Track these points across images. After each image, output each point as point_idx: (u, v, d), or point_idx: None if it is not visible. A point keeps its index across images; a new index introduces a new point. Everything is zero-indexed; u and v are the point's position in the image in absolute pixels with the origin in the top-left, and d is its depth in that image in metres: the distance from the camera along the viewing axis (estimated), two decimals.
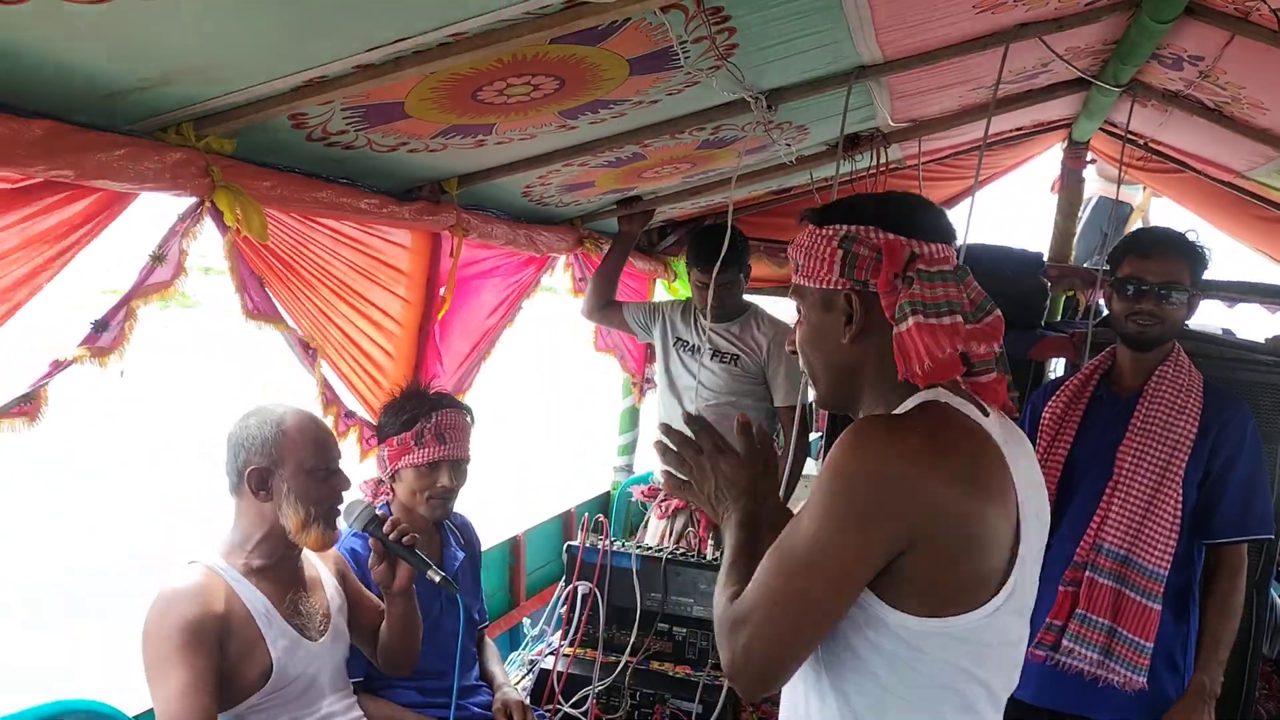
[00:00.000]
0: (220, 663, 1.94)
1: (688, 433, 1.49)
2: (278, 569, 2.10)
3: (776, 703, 2.89)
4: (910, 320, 1.29)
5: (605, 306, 3.94)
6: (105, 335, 1.78)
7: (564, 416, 13.34)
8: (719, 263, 3.20)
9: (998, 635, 1.29)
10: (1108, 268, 2.55)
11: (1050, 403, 2.55)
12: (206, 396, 10.56)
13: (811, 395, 1.54)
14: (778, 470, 1.55)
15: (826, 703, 1.33)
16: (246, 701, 1.99)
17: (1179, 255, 2.38)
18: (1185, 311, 2.40)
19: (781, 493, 3.26)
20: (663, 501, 3.74)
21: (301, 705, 2.08)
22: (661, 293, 4.82)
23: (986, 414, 1.33)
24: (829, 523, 1.23)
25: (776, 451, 1.69)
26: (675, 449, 1.49)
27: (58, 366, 1.70)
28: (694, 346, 3.71)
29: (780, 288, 4.52)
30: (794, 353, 1.47)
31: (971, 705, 1.30)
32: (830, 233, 1.37)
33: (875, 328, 1.35)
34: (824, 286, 1.38)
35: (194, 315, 15.31)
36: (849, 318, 1.36)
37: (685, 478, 1.48)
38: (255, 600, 2.03)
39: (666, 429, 1.50)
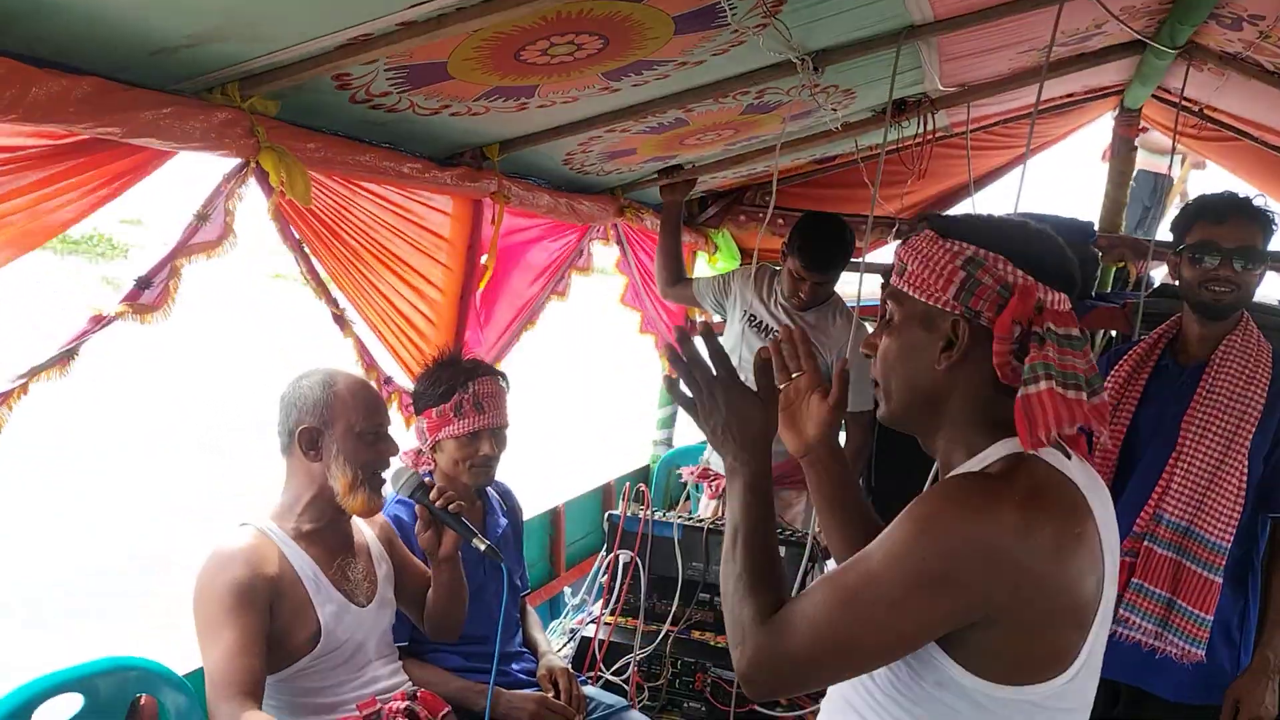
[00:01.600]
0: (270, 625, 1.95)
1: (702, 350, 1.35)
2: (326, 534, 2.11)
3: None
4: (1042, 384, 1.19)
5: (676, 283, 3.86)
6: (148, 293, 1.78)
7: (603, 390, 13.32)
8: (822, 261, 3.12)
9: (1076, 699, 1.24)
10: (1158, 239, 2.48)
11: (1113, 372, 2.49)
12: (206, 382, 10.48)
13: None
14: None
15: None
16: (295, 665, 2.01)
17: (1252, 220, 2.31)
18: (1258, 279, 2.34)
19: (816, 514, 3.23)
20: (714, 481, 3.70)
21: (349, 670, 2.10)
22: (701, 266, 4.77)
23: (1069, 456, 1.25)
24: (901, 578, 1.16)
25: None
26: (685, 361, 1.34)
27: (98, 322, 1.71)
28: (763, 325, 3.57)
29: None
30: (868, 355, 1.37)
31: None
32: (955, 248, 1.27)
33: (972, 363, 1.26)
34: (931, 304, 1.28)
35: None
36: (949, 344, 1.27)
37: (691, 395, 1.35)
38: (304, 564, 2.05)
39: (682, 335, 1.35)
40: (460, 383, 2.47)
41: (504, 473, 2.70)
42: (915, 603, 1.15)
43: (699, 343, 1.36)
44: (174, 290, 1.80)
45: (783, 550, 2.84)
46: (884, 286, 1.39)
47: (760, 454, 1.31)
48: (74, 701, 1.79)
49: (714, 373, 1.34)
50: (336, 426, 2.03)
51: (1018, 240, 1.27)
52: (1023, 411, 1.20)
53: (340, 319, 2.38)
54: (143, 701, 2.03)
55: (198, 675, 1.94)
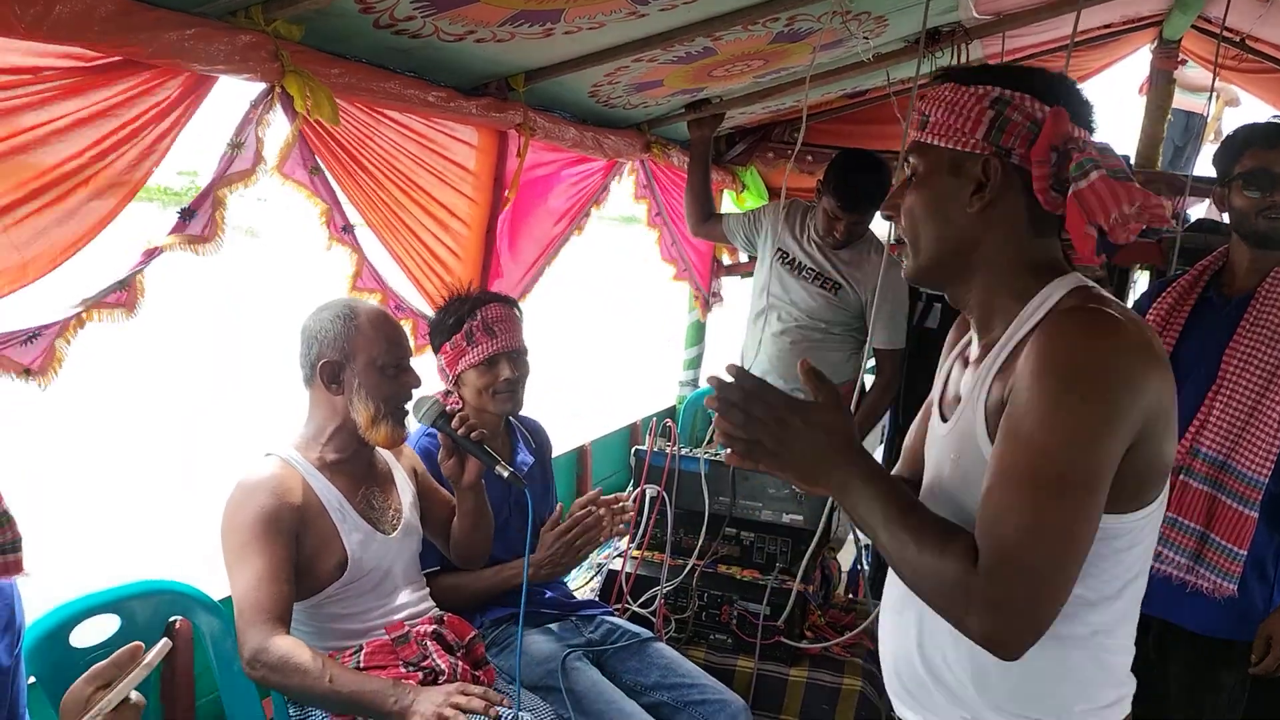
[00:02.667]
0: (297, 553, 1.98)
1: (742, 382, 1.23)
2: (351, 463, 2.12)
3: (848, 610, 2.85)
4: (1093, 175, 1.18)
5: (706, 220, 3.82)
6: (193, 223, 1.78)
7: (629, 330, 13.28)
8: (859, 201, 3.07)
9: (1160, 516, 1.26)
10: (1195, 175, 2.40)
11: (1155, 304, 2.44)
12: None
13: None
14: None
15: None
16: (324, 592, 2.03)
17: None
18: None
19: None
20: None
21: (376, 597, 2.12)
22: (729, 204, 4.72)
23: None
24: (1078, 432, 1.12)
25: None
26: (736, 403, 1.22)
27: (150, 255, 1.72)
28: (795, 262, 3.53)
29: None
30: (890, 216, 1.36)
31: (1137, 592, 1.26)
32: (981, 91, 1.26)
33: (1006, 203, 1.26)
34: (959, 148, 1.27)
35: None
36: (980, 186, 1.26)
37: (751, 437, 1.21)
38: (329, 494, 2.06)
39: (718, 382, 1.24)
40: (468, 312, 2.46)
41: (530, 412, 2.70)
42: (1106, 444, 1.12)
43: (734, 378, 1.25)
44: (221, 221, 1.81)
45: None
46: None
47: (860, 454, 1.22)
48: (111, 623, 1.82)
49: (770, 402, 1.22)
50: (358, 360, 2.04)
51: (1043, 81, 1.27)
52: (1078, 207, 1.19)
53: (349, 241, 2.34)
54: (178, 624, 2.06)
55: (228, 603, 1.96)
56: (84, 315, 1.62)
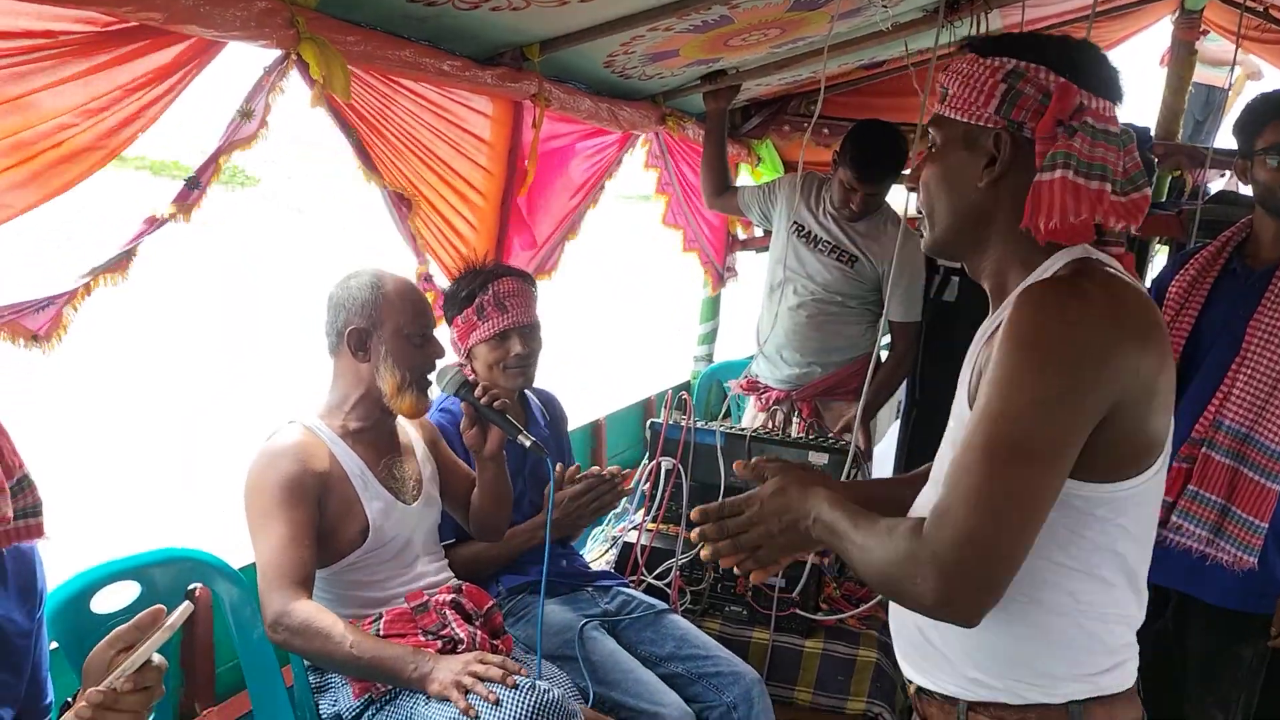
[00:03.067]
0: (319, 520, 1.99)
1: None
2: (373, 433, 2.13)
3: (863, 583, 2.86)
4: (1057, 173, 1.20)
5: (722, 193, 3.79)
6: (197, 193, 1.78)
7: (643, 306, 13.24)
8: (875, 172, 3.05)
9: (1156, 491, 1.25)
10: (1216, 148, 2.37)
11: (1178, 275, 2.42)
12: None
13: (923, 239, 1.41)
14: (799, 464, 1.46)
15: None
16: (345, 559, 2.05)
17: None
18: None
19: (861, 411, 3.20)
20: (763, 394, 3.67)
21: (397, 565, 2.13)
22: (744, 178, 4.70)
23: None
24: (1035, 401, 1.13)
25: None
26: (721, 531, 1.34)
27: (152, 223, 1.72)
28: (811, 235, 3.49)
29: None
30: (913, 189, 1.39)
31: (1128, 566, 1.25)
32: (995, 64, 1.26)
33: (1017, 175, 1.26)
34: (972, 122, 1.28)
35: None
36: (992, 160, 1.27)
37: (749, 551, 1.33)
38: (352, 462, 2.07)
39: (701, 527, 1.36)
40: (480, 285, 2.45)
41: (545, 384, 2.69)
42: (1064, 415, 1.13)
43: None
44: (211, 185, 1.80)
45: (826, 458, 2.83)
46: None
47: (815, 498, 1.30)
48: (131, 589, 1.83)
49: (739, 510, 1.34)
50: (385, 328, 2.04)
51: (1060, 50, 1.26)
52: (1031, 197, 1.22)
53: (402, 202, 2.35)
54: (197, 591, 2.08)
55: (250, 569, 1.97)
56: (91, 284, 1.62)
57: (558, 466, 2.51)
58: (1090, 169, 1.20)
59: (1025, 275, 1.27)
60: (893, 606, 1.42)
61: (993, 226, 1.30)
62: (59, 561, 1.54)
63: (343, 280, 2.09)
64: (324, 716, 2.01)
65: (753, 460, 1.44)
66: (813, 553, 2.62)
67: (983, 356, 1.23)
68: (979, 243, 1.32)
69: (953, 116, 1.30)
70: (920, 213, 1.39)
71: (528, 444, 2.03)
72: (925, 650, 1.35)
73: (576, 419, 3.96)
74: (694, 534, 1.37)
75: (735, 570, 1.35)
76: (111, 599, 1.77)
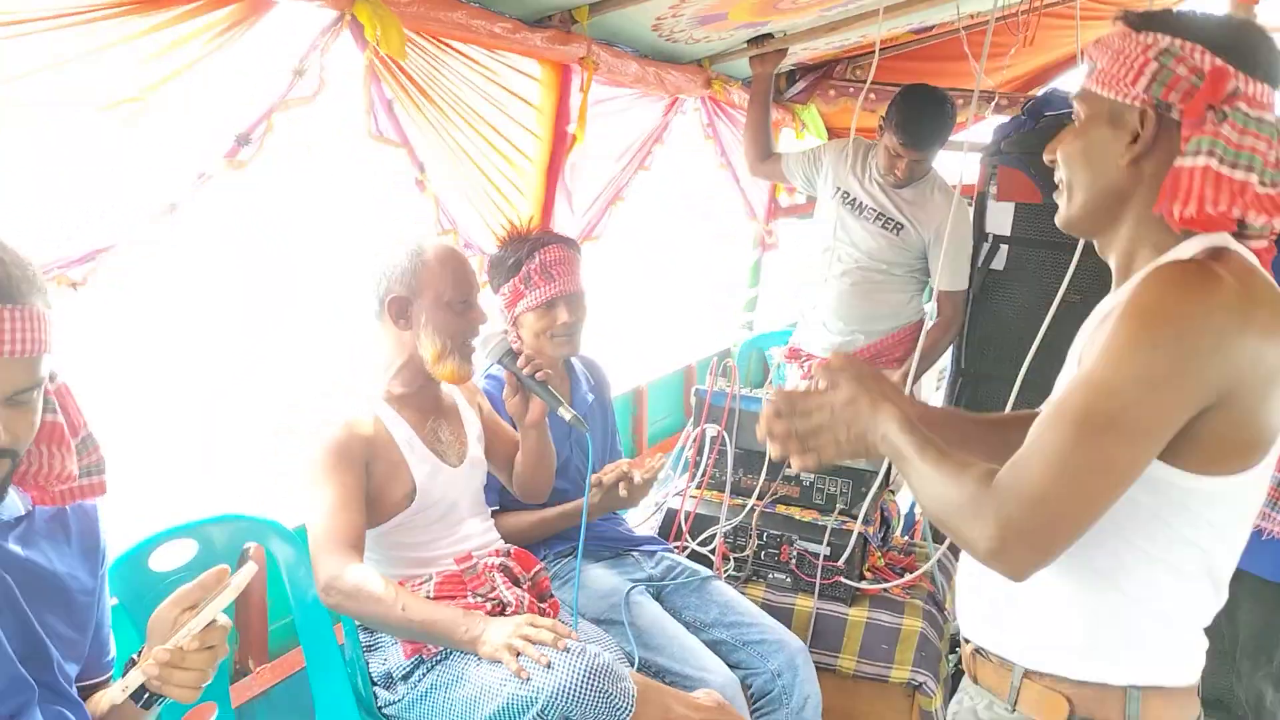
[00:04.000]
0: (368, 483, 2.00)
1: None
2: (418, 397, 2.14)
3: (908, 552, 2.82)
4: (1200, 160, 1.15)
5: (765, 159, 3.75)
6: (247, 150, 1.78)
7: (687, 272, 13.17)
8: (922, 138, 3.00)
9: (1257, 493, 1.22)
10: None
11: None
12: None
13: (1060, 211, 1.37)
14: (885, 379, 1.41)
15: (1063, 559, 1.22)
16: (392, 521, 2.06)
17: None
18: None
19: (911, 376, 3.15)
20: (805, 361, 3.64)
21: (444, 526, 2.14)
22: (788, 141, 4.64)
23: None
24: (1140, 378, 1.10)
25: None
26: (788, 430, 1.33)
27: (201, 179, 1.72)
28: (857, 202, 3.44)
29: None
30: (1053, 161, 1.33)
31: (1212, 563, 1.23)
32: (1149, 40, 1.21)
33: (1160, 156, 1.21)
34: (1119, 98, 1.23)
35: None
36: (1136, 137, 1.22)
37: (804, 442, 1.32)
38: (398, 426, 2.08)
39: (770, 424, 1.35)
40: (527, 253, 2.44)
41: (587, 351, 2.69)
42: (1164, 396, 1.10)
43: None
44: (265, 144, 1.79)
45: None
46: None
47: (890, 404, 1.28)
48: (189, 548, 1.86)
49: (802, 401, 1.33)
50: (425, 296, 2.04)
51: (1220, 29, 1.20)
52: (1169, 182, 1.18)
53: (420, 181, 2.34)
54: (252, 550, 2.10)
55: (302, 533, 2.00)
56: (133, 238, 1.64)
57: (614, 465, 2.50)
58: (1237, 158, 1.15)
59: (1155, 258, 1.24)
60: (963, 562, 1.41)
61: (1129, 206, 1.27)
62: (117, 525, 1.56)
63: (385, 248, 2.10)
64: (375, 675, 2.04)
65: (831, 359, 1.40)
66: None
67: (1099, 334, 1.20)
68: (1113, 221, 1.29)
69: (1099, 91, 1.26)
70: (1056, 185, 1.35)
71: (567, 417, 2.03)
72: (990, 610, 1.34)
73: (618, 386, 3.97)
74: (761, 431, 1.36)
75: (791, 464, 1.36)
76: (170, 557, 1.80)
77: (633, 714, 1.87)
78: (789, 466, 1.38)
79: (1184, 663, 1.27)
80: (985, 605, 1.35)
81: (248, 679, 2.12)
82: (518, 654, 1.85)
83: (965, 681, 1.43)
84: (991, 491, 1.14)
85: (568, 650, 1.85)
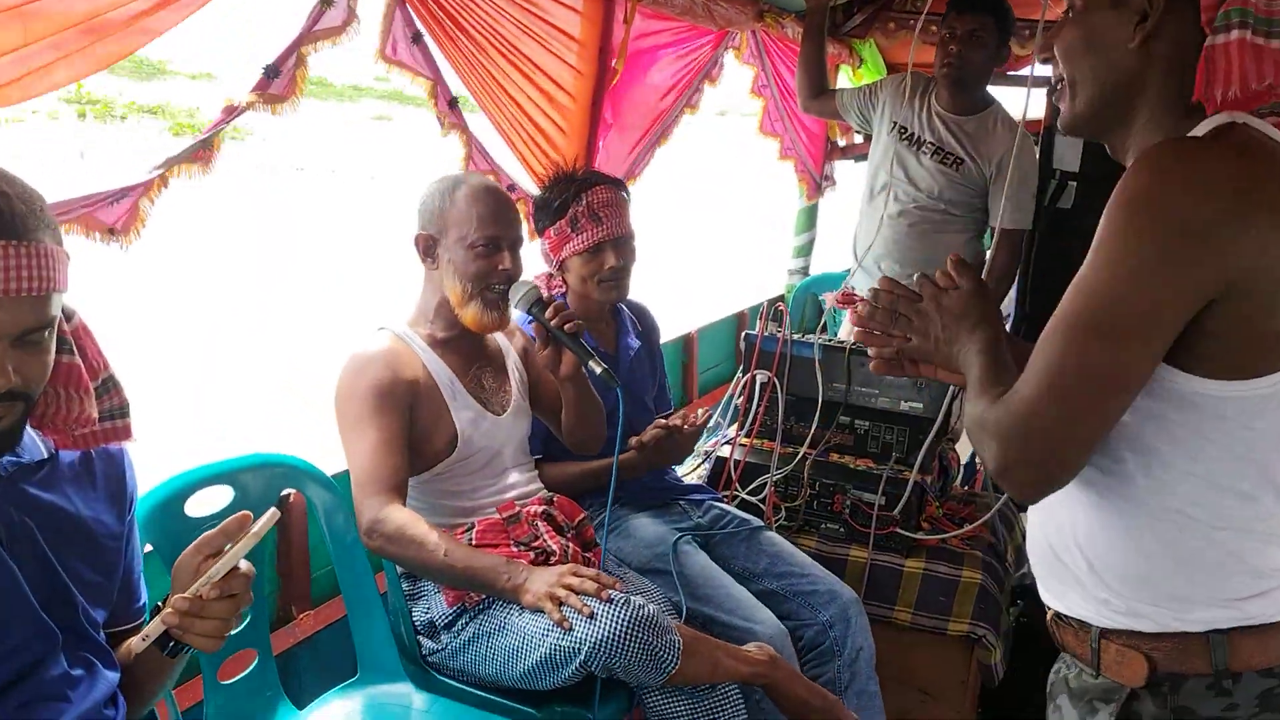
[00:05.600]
0: (410, 427, 1.95)
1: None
2: (460, 342, 2.08)
3: (967, 502, 2.72)
4: (1234, 34, 1.04)
5: (819, 96, 3.57)
6: (276, 82, 1.72)
7: (735, 219, 12.97)
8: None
9: None
10: None
11: None
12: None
13: (1062, 113, 1.26)
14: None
15: (1093, 486, 1.16)
16: (433, 469, 2.02)
17: None
18: None
19: None
20: (858, 305, 3.50)
21: (486, 475, 2.09)
22: (844, 82, 4.47)
23: None
24: (1133, 271, 1.02)
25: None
26: (891, 307, 1.32)
27: (231, 112, 1.66)
28: (914, 136, 3.29)
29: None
30: (1048, 59, 1.23)
31: (1272, 473, 1.11)
32: None
33: (1170, 36, 1.11)
34: None
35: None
36: (1144, 16, 1.11)
37: (901, 334, 1.31)
38: (441, 371, 2.03)
39: (877, 293, 1.35)
40: (574, 195, 2.34)
41: (636, 296, 2.60)
42: (1162, 288, 1.01)
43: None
44: (301, 81, 1.73)
45: None
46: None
47: (986, 327, 1.23)
48: (224, 494, 1.83)
49: (921, 294, 1.30)
50: (449, 235, 1.98)
51: None
52: (1205, 65, 1.07)
53: (456, 120, 2.25)
54: (292, 497, 2.08)
55: (343, 477, 1.96)
56: (166, 174, 1.58)
57: (669, 414, 2.43)
58: (1271, 26, 1.04)
59: None
60: (1029, 527, 1.32)
61: (1142, 96, 1.15)
62: (149, 468, 1.52)
63: (427, 184, 2.03)
64: (418, 623, 2.00)
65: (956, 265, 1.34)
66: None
67: None
68: (1125, 115, 1.18)
69: None
70: (1059, 84, 1.24)
71: (598, 371, 1.94)
72: (1057, 571, 1.25)
73: (668, 332, 3.88)
74: (860, 311, 1.36)
75: (871, 354, 1.35)
76: (205, 503, 1.77)
77: (678, 667, 1.82)
78: (866, 360, 1.34)
79: (1268, 595, 1.14)
80: (1050, 567, 1.26)
81: (290, 626, 2.11)
82: (560, 604, 1.80)
83: (1061, 651, 1.34)
84: (993, 409, 1.11)
85: (611, 601, 1.80)
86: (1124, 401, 1.06)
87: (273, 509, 1.22)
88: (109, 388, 1.31)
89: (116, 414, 1.33)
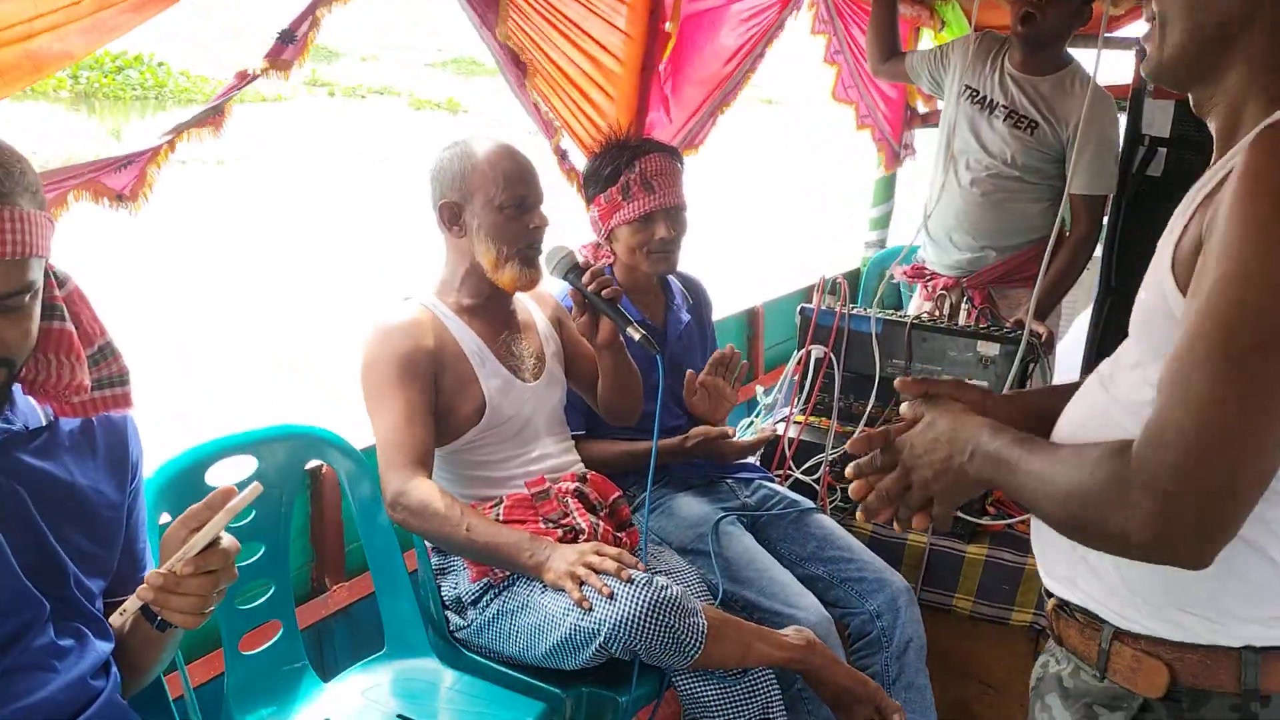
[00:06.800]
0: (435, 397, 1.92)
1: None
2: (489, 309, 2.04)
3: None
4: None
5: (889, 59, 3.40)
6: (291, 49, 1.69)
7: (814, 186, 12.65)
8: None
9: None
10: None
11: None
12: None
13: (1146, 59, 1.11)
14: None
15: None
16: (463, 438, 1.99)
17: None
18: None
19: (1033, 302, 2.82)
20: (929, 281, 3.35)
21: (517, 444, 2.05)
22: (927, 45, 4.27)
23: None
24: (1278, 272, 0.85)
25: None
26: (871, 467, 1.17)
27: (243, 79, 1.64)
28: (986, 99, 3.10)
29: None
30: None
31: None
32: None
33: None
34: None
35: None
36: None
37: (897, 495, 1.15)
38: (467, 338, 1.99)
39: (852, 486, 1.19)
40: (626, 162, 2.27)
41: (703, 270, 2.52)
42: None
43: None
44: (310, 43, 1.70)
45: (997, 348, 2.55)
46: None
47: (978, 432, 1.08)
48: (248, 464, 1.82)
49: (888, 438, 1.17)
50: (476, 199, 1.93)
51: None
52: None
53: (520, 66, 2.18)
54: (324, 470, 2.07)
55: (371, 450, 1.94)
56: (175, 140, 1.56)
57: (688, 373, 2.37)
58: None
59: (1269, 111, 0.97)
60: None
61: (1237, 44, 1.00)
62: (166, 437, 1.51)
63: (439, 151, 1.99)
64: (446, 598, 1.98)
65: (911, 379, 1.23)
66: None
67: (1202, 217, 0.95)
68: (1216, 66, 1.02)
69: None
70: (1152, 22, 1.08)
71: (636, 337, 1.88)
72: (1068, 555, 1.11)
73: (733, 306, 3.79)
74: (853, 490, 1.20)
75: (896, 524, 1.17)
76: (228, 473, 1.76)
77: (703, 651, 1.75)
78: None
79: None
80: (1066, 550, 1.12)
81: (324, 597, 2.10)
82: (581, 583, 1.75)
83: (1050, 643, 1.21)
84: (1135, 469, 0.90)
85: (632, 581, 1.74)
86: None
87: (255, 483, 1.19)
88: (105, 355, 1.30)
89: (116, 381, 1.31)
